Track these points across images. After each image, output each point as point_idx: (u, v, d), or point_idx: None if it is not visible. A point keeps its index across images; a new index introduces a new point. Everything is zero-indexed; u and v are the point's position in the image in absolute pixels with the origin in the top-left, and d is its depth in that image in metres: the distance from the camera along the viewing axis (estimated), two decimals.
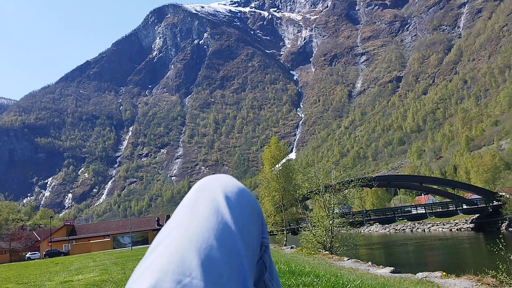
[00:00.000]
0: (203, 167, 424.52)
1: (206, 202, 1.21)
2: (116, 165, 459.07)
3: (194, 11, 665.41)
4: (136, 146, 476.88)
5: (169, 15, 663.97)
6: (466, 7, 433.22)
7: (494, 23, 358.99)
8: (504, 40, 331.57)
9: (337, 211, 37.25)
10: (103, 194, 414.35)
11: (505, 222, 74.85)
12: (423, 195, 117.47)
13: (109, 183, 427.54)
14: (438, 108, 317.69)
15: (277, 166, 57.19)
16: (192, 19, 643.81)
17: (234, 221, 1.15)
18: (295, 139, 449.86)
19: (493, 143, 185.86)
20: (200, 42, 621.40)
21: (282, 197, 54.21)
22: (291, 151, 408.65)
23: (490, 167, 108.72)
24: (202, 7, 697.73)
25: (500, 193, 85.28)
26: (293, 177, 54.23)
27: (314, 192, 36.31)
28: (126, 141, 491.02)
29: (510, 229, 71.97)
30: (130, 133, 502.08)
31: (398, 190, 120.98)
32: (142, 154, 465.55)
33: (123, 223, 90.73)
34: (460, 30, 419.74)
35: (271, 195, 55.40)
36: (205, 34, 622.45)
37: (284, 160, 58.34)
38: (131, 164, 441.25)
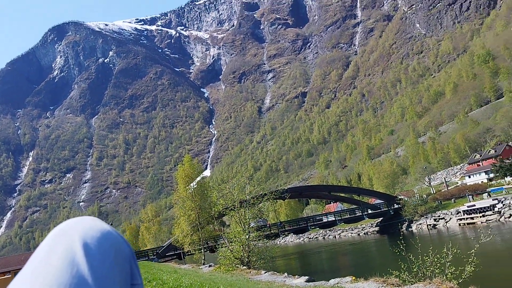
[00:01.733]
0: (114, 190, 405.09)
1: (61, 251, 1.08)
2: (15, 194, 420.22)
3: (97, 29, 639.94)
4: (38, 172, 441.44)
5: (70, 33, 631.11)
6: (360, 27, 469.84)
7: (384, 41, 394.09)
8: (393, 57, 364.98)
9: (253, 225, 37.88)
10: (1, 226, 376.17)
11: (405, 223, 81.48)
12: (332, 203, 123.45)
13: (8, 214, 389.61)
14: (341, 121, 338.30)
15: (191, 184, 56.72)
16: (95, 37, 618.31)
17: (91, 272, 1.03)
18: (209, 156, 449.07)
19: (391, 151, 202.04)
20: (106, 60, 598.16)
21: (198, 215, 53.76)
22: (206, 168, 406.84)
23: (389, 173, 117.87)
24: (106, 25, 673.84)
25: (399, 197, 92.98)
26: (208, 195, 54.13)
27: (230, 208, 36.62)
28: (27, 167, 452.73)
29: (410, 229, 78.46)
30: (30, 159, 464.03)
31: (309, 200, 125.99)
32: (46, 180, 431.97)
33: (25, 257, 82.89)
34: (356, 47, 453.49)
35: (187, 214, 54.69)
36: (111, 53, 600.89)
37: (198, 178, 58.11)
38: (33, 192, 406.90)
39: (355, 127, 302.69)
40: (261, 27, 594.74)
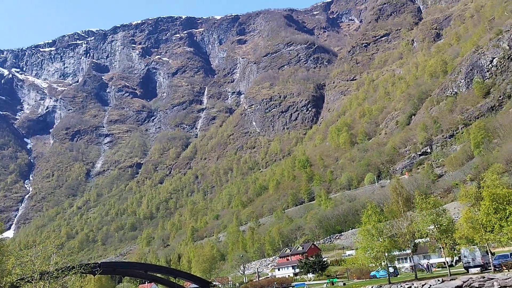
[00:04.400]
0: None
1: None
2: None
3: None
4: None
5: None
6: (203, 113, 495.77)
7: (223, 130, 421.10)
8: (229, 146, 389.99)
9: None
10: None
11: None
12: (146, 283, 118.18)
13: None
14: (171, 198, 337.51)
15: None
16: None
17: None
18: (16, 215, 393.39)
19: (213, 235, 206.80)
20: None
21: None
22: (9, 228, 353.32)
23: (209, 257, 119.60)
24: None
25: (214, 283, 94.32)
26: (3, 260, 47.00)
27: (26, 280, 32.50)
28: None
29: None
30: None
31: (122, 278, 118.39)
32: None
33: None
34: (197, 131, 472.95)
35: None
36: None
37: None
38: None
39: (184, 207, 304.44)
40: (107, 90, 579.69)
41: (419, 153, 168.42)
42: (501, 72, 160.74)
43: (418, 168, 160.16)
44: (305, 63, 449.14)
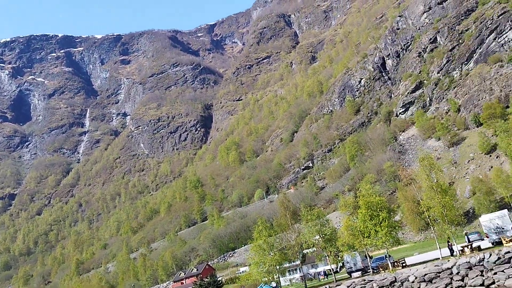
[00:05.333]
0: None
1: None
2: None
3: None
4: None
5: None
6: (86, 136, 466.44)
7: (109, 154, 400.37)
8: (116, 170, 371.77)
9: None
10: None
11: None
12: None
13: None
14: (52, 230, 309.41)
15: None
16: None
17: None
18: None
19: (101, 266, 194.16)
20: None
21: None
22: None
23: None
24: None
25: None
26: None
27: None
28: None
29: None
30: None
31: None
32: None
33: None
34: (80, 155, 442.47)
35: None
36: None
37: None
38: None
39: (67, 238, 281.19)
40: None
41: (302, 167, 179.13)
42: (368, 91, 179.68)
43: (302, 182, 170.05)
44: (192, 84, 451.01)
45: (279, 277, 58.00)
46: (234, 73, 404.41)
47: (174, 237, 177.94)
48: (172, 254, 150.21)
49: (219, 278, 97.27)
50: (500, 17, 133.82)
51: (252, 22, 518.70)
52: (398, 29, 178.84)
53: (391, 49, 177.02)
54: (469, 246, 43.70)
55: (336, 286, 46.29)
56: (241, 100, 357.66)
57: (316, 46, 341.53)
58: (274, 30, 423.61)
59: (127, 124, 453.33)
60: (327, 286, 47.29)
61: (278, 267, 55.90)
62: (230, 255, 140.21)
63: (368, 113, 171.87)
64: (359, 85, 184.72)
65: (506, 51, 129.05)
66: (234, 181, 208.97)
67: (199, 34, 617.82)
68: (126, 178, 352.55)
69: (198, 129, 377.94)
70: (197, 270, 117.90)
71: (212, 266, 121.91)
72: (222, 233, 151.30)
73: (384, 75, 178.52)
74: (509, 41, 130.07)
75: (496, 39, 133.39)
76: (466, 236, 53.17)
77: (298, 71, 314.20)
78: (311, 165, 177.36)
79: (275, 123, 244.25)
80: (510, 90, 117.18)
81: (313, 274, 79.51)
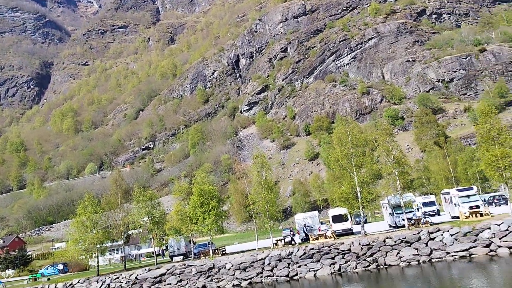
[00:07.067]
0: None
1: None
2: None
3: None
4: None
5: None
6: None
7: None
8: None
9: None
10: None
11: None
12: None
13: None
14: None
15: None
16: None
17: None
18: None
19: None
20: None
21: None
22: None
23: None
24: None
25: None
26: None
27: None
28: None
29: None
30: None
31: None
32: None
33: None
34: None
35: None
36: None
37: None
38: None
39: None
40: None
41: (143, 147, 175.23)
42: (219, 84, 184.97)
43: (140, 162, 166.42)
44: (32, 35, 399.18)
45: (98, 256, 55.85)
46: (84, 34, 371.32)
47: None
48: None
49: (29, 253, 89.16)
50: (341, 43, 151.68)
51: None
52: (256, 31, 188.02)
53: (246, 49, 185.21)
54: (282, 240, 48.65)
55: (156, 268, 46.68)
56: (87, 65, 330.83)
57: (177, 28, 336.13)
58: (136, 0, 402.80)
59: None
60: (147, 268, 47.40)
61: (98, 246, 53.71)
62: (47, 229, 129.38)
63: (216, 105, 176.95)
64: (212, 76, 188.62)
65: (341, 73, 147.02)
66: (65, 151, 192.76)
67: None
68: None
69: (32, 87, 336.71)
70: (4, 242, 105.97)
71: (23, 239, 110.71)
72: (42, 204, 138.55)
73: (236, 72, 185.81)
74: (344, 65, 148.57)
75: (335, 61, 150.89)
76: (283, 231, 59.00)
77: (155, 49, 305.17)
78: (152, 146, 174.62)
79: (121, 97, 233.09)
80: (337, 108, 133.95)
81: (134, 255, 78.67)
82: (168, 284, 43.77)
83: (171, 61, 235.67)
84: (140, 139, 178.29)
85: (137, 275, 46.19)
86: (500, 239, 35.29)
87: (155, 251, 59.32)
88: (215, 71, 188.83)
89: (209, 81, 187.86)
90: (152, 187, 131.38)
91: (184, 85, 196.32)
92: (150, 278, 44.98)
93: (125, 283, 45.63)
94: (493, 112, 42.93)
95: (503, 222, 36.37)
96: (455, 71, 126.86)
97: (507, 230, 35.64)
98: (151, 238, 59.93)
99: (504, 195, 55.58)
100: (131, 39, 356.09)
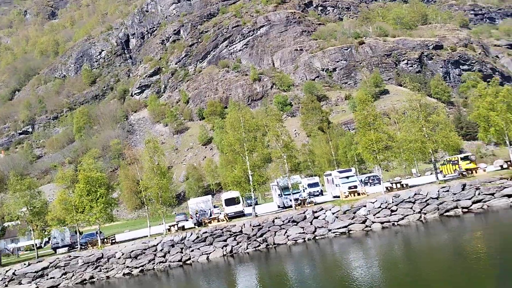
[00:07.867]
0: None
1: None
2: None
3: None
4: None
5: None
6: None
7: None
8: None
9: None
10: None
11: None
12: None
13: None
14: None
15: None
16: None
17: None
18: None
19: None
20: None
21: None
22: None
23: None
24: None
25: None
26: None
27: None
28: None
29: None
30: None
31: None
32: None
33: None
34: None
35: None
36: None
37: None
38: None
39: None
40: None
41: (20, 131, 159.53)
42: (108, 65, 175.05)
43: (17, 148, 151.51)
44: None
45: None
46: None
47: None
48: None
49: None
50: (234, 29, 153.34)
51: None
52: (147, 11, 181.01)
53: (137, 29, 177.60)
54: (175, 225, 48.45)
55: (37, 262, 43.37)
56: None
57: (58, 1, 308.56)
58: None
59: None
60: (27, 262, 43.78)
61: None
62: None
63: (104, 87, 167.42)
64: (99, 56, 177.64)
65: (234, 59, 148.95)
66: None
67: None
68: None
69: None
70: None
71: None
72: None
73: (126, 52, 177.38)
74: (237, 51, 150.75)
75: (228, 47, 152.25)
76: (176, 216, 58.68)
77: (33, 24, 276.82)
78: (30, 130, 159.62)
79: None
80: (230, 93, 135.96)
81: (11, 249, 72.05)
82: (51, 278, 41.08)
83: (52, 38, 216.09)
84: (17, 122, 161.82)
85: (15, 270, 42.54)
86: (374, 215, 39.54)
87: (36, 244, 55.03)
88: (102, 50, 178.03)
89: (96, 61, 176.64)
90: (32, 174, 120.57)
91: (67, 64, 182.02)
92: (31, 272, 41.75)
93: (1, 280, 41.74)
94: (369, 100, 47.54)
95: (376, 200, 40.75)
96: (337, 61, 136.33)
97: (379, 207, 40.03)
98: (31, 230, 55.32)
99: (378, 176, 61.81)
100: (4, 11, 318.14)
